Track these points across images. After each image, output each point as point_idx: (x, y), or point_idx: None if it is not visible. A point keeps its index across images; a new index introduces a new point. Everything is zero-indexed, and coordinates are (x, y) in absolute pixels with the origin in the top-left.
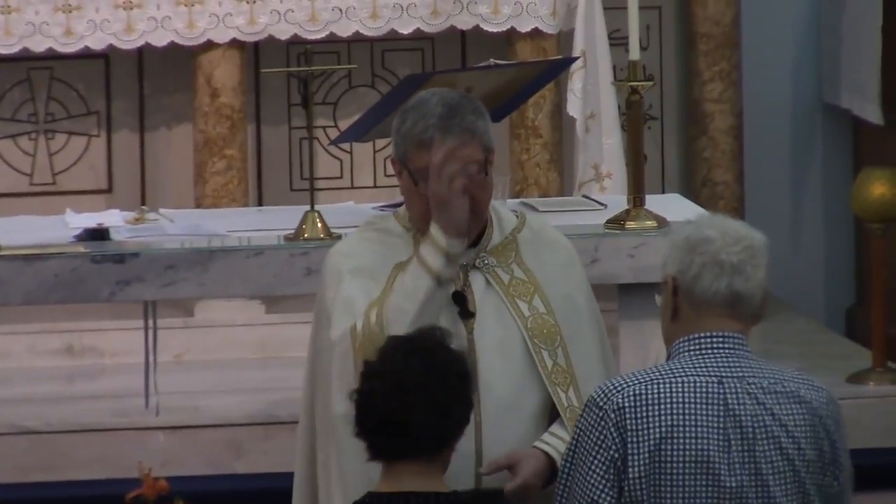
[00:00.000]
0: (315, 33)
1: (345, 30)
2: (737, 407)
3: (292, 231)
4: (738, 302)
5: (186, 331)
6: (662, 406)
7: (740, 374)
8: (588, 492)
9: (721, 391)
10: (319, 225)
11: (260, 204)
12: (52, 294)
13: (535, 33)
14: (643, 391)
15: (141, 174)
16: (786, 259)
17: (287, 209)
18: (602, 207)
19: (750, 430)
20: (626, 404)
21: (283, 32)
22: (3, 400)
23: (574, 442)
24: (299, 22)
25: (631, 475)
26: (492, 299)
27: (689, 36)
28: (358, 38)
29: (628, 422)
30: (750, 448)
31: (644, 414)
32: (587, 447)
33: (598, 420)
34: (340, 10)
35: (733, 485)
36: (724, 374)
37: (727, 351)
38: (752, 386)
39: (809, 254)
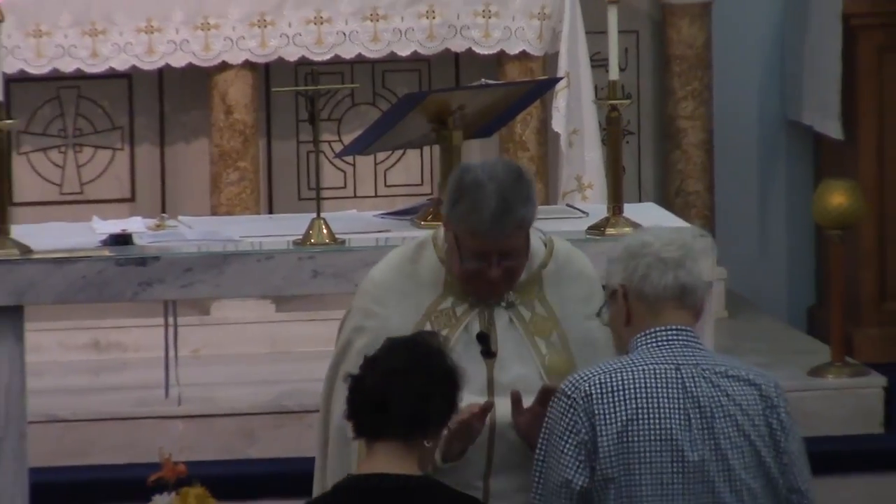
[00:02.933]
0: (321, 55)
1: (348, 52)
2: (694, 389)
3: (300, 236)
4: (685, 293)
5: (203, 328)
6: (626, 392)
7: (695, 362)
8: (562, 472)
9: (679, 376)
10: (325, 231)
11: (270, 212)
12: (80, 294)
13: (523, 55)
14: (608, 379)
15: (161, 184)
16: (752, 262)
17: (295, 216)
18: (584, 215)
19: (708, 409)
20: (594, 391)
21: (292, 54)
22: (36, 391)
23: (546, 430)
24: (306, 45)
25: (601, 455)
26: (513, 337)
27: (664, 58)
28: (360, 60)
29: (596, 407)
30: (709, 426)
31: (610, 399)
32: (559, 433)
33: (568, 407)
34: (344, 34)
35: (696, 458)
36: (680, 362)
37: (681, 342)
38: (707, 371)
39: (774, 258)
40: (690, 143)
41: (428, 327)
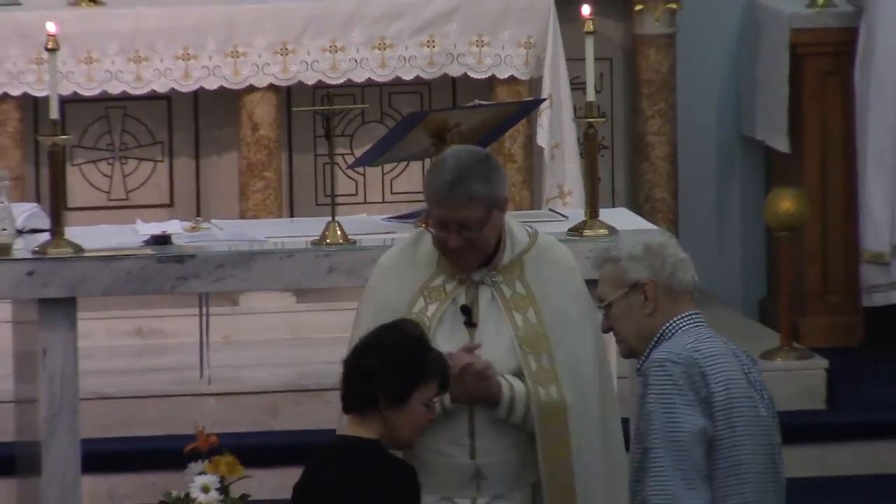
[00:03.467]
0: (335, 80)
1: (359, 77)
2: (741, 357)
3: (317, 237)
4: (696, 287)
5: (232, 317)
6: (717, 357)
7: (724, 339)
8: (696, 422)
9: (728, 347)
10: (339, 232)
11: (291, 216)
12: (125, 287)
13: (512, 80)
14: (700, 347)
15: (196, 192)
16: (711, 260)
17: (313, 220)
18: (564, 219)
19: (753, 376)
20: (697, 357)
21: (310, 79)
22: (86, 372)
23: (660, 395)
24: (323, 70)
25: (714, 410)
26: (494, 311)
27: (634, 82)
28: (369, 84)
29: (705, 369)
30: (755, 387)
31: (711, 364)
32: (681, 391)
33: (684, 370)
34: (356, 60)
35: (764, 414)
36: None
37: (705, 325)
38: (735, 348)
39: (730, 256)
40: (657, 156)
41: (422, 301)
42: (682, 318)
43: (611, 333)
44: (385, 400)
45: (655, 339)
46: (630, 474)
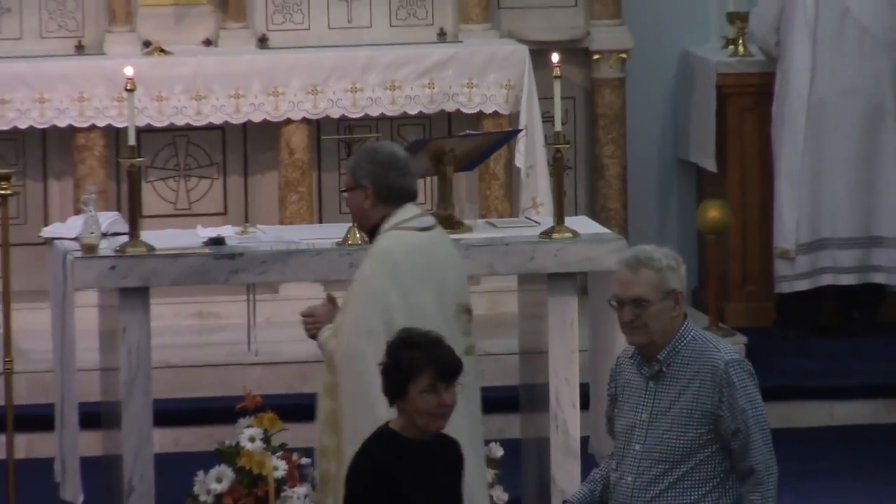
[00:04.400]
0: (355, 114)
1: (374, 111)
2: None
3: (340, 239)
4: None
5: (273, 302)
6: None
7: None
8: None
9: None
10: (357, 235)
11: (320, 222)
12: (188, 279)
13: (495, 114)
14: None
15: (245, 203)
16: None
17: (337, 225)
18: (537, 224)
19: None
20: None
21: (335, 113)
22: (157, 346)
23: (750, 399)
24: (345, 107)
25: None
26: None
27: (592, 116)
28: (382, 117)
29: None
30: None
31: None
32: (754, 383)
33: (750, 367)
34: (371, 99)
35: None
36: None
37: None
38: None
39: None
40: (611, 174)
41: None
42: (689, 321)
43: (546, 303)
44: (388, 397)
45: (675, 338)
46: (670, 453)
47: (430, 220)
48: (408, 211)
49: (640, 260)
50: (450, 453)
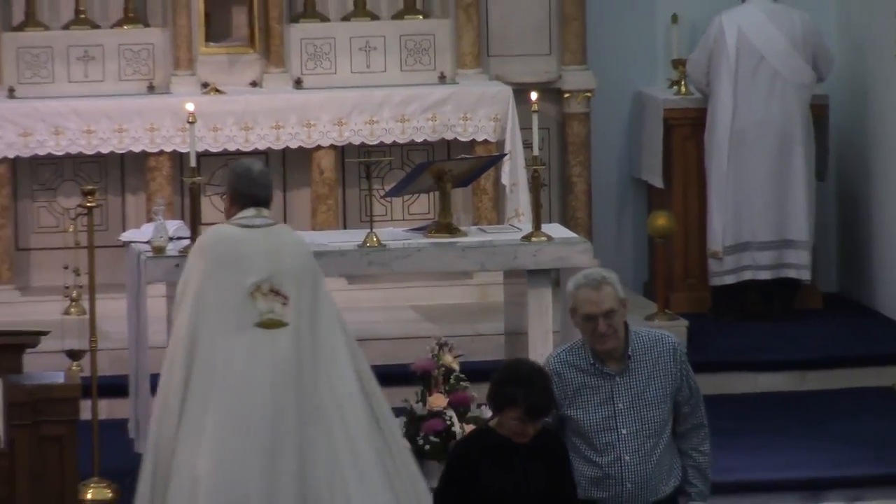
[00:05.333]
0: (373, 141)
1: (388, 139)
2: None
3: (361, 242)
4: None
5: None
6: None
7: None
8: None
9: None
10: (375, 239)
11: (345, 228)
12: None
13: (485, 141)
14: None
15: (284, 212)
16: (613, 256)
17: (358, 231)
18: (519, 230)
19: None
20: None
21: (356, 141)
22: None
23: (689, 366)
24: (364, 136)
25: None
26: None
27: (563, 143)
28: (394, 144)
29: None
30: None
31: None
32: None
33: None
34: (385, 129)
35: None
36: None
37: None
38: None
39: (625, 254)
40: (578, 190)
41: None
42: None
43: (526, 297)
44: (490, 408)
45: (630, 337)
46: (655, 427)
47: (259, 221)
48: (246, 212)
49: (599, 280)
50: (547, 449)
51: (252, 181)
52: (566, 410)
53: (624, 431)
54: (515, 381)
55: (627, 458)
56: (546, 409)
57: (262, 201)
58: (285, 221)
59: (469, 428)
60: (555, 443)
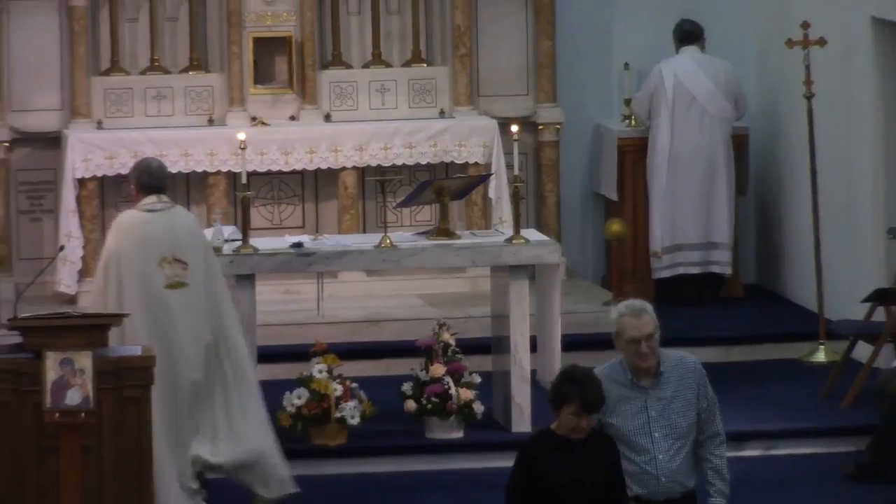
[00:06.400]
0: (386, 163)
1: (398, 162)
2: None
3: (377, 243)
4: None
5: (334, 284)
6: None
7: None
8: None
9: None
10: (388, 241)
11: (364, 232)
12: (279, 269)
13: (476, 164)
14: None
15: (316, 220)
16: (578, 256)
17: (375, 235)
18: (503, 234)
19: None
20: None
21: (374, 163)
22: (260, 311)
23: (705, 377)
24: (380, 159)
25: None
26: None
27: (538, 165)
28: (404, 166)
29: None
30: None
31: None
32: None
33: None
34: (397, 154)
35: None
36: None
37: None
38: None
39: (588, 253)
40: (550, 203)
41: None
42: None
43: (508, 290)
44: (552, 406)
45: (661, 356)
46: (681, 431)
47: (160, 206)
48: (149, 199)
49: (639, 309)
50: (600, 445)
51: (151, 174)
52: (608, 418)
53: (657, 435)
54: (571, 381)
55: (660, 456)
56: (598, 405)
57: (161, 189)
58: (316, 226)
59: (464, 392)
60: (607, 441)
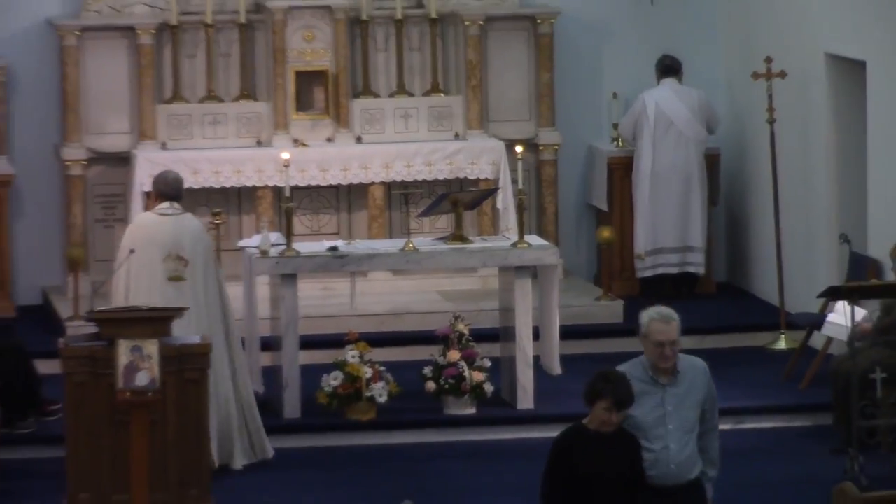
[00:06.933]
0: (409, 179)
1: (420, 178)
2: None
3: (402, 247)
4: None
5: (365, 282)
6: None
7: None
8: None
9: None
10: (411, 246)
11: (391, 238)
12: (318, 269)
13: (486, 179)
14: None
15: (349, 228)
16: (574, 257)
17: (400, 240)
18: (509, 240)
19: None
20: None
21: (398, 178)
22: (301, 305)
23: (712, 381)
24: (404, 175)
25: None
26: None
27: (539, 180)
28: (424, 181)
29: None
30: None
31: None
32: None
33: None
34: (418, 171)
35: None
36: None
37: None
38: None
39: (581, 256)
40: (549, 212)
41: None
42: None
43: (513, 288)
44: (586, 402)
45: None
46: (691, 425)
47: (170, 211)
48: (163, 205)
49: (667, 316)
50: (624, 441)
51: (167, 184)
52: (629, 411)
53: (671, 427)
54: (605, 380)
55: (672, 446)
56: (629, 402)
57: (174, 197)
58: (350, 233)
59: (476, 374)
60: (630, 437)
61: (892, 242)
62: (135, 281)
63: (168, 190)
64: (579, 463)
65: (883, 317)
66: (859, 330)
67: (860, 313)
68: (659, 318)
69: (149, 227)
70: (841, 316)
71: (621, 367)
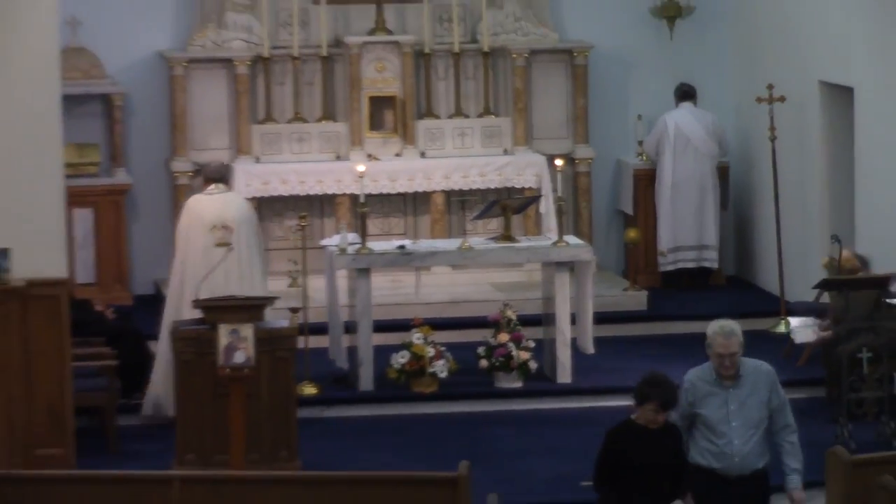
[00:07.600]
0: (465, 188)
1: (475, 187)
2: None
3: (459, 245)
4: None
5: (427, 275)
6: None
7: None
8: None
9: None
10: (467, 245)
11: (450, 237)
12: (389, 265)
13: (531, 188)
14: None
15: (415, 228)
16: (604, 256)
17: (458, 239)
18: (551, 239)
19: None
20: None
21: (456, 188)
22: (374, 295)
23: (779, 381)
24: (461, 185)
25: None
26: None
27: (575, 189)
28: (478, 189)
29: None
30: None
31: None
32: None
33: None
34: (473, 181)
35: None
36: None
37: None
38: None
39: (611, 253)
40: (584, 216)
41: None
42: None
43: (553, 280)
44: (636, 403)
45: (739, 364)
46: (758, 423)
47: (216, 192)
48: (210, 187)
49: (728, 331)
50: (670, 433)
51: (212, 170)
52: (698, 409)
53: (734, 424)
54: (652, 384)
55: (736, 441)
56: (673, 404)
57: (218, 180)
58: (415, 233)
59: (522, 353)
60: (675, 430)
61: (876, 242)
62: (192, 249)
63: (213, 174)
64: (630, 453)
65: (839, 312)
66: (821, 338)
67: (803, 324)
68: (721, 333)
69: (200, 205)
70: (800, 324)
71: (692, 371)
